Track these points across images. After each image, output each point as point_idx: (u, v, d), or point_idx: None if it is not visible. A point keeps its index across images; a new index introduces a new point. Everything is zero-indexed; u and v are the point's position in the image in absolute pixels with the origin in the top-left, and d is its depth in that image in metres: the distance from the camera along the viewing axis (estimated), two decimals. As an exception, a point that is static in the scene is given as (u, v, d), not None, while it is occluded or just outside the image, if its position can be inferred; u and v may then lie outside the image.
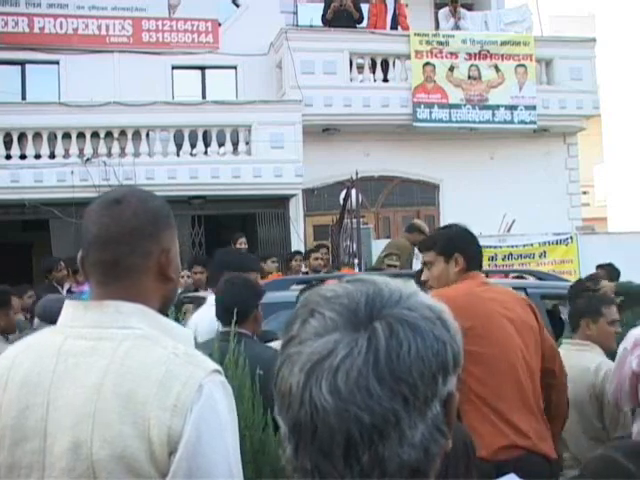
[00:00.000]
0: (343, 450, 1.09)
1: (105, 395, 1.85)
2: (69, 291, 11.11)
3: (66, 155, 15.93)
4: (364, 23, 18.42)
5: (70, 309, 2.03)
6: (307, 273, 11.85)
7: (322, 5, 18.17)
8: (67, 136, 15.92)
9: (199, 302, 6.08)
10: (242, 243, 12.73)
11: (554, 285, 8.16)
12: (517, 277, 9.78)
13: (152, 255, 2.02)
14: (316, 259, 12.12)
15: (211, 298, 4.99)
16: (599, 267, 10.21)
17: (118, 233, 1.99)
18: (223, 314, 4.60)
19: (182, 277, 11.13)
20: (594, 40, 19.79)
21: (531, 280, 8.78)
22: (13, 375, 1.96)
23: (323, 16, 18.07)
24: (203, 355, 1.99)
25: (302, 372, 1.11)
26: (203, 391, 1.85)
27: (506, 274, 11.02)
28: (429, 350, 1.12)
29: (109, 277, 2.00)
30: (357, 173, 14.15)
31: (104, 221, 2.00)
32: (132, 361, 1.88)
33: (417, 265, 11.90)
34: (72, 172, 15.61)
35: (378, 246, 13.93)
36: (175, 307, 3.82)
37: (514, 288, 6.99)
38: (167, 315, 2.12)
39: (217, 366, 1.95)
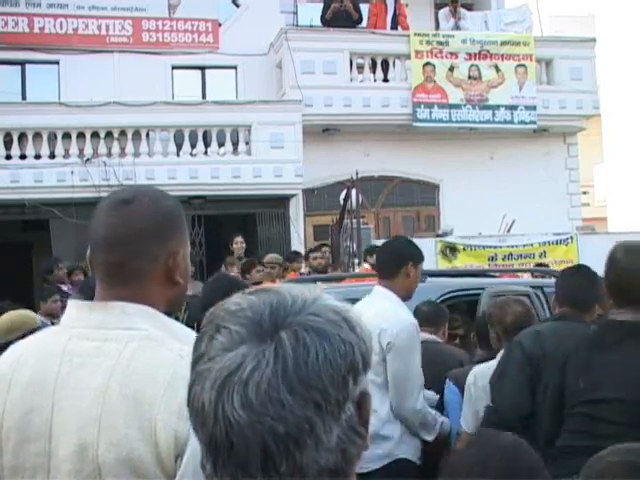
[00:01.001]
0: (261, 462, 1.09)
1: (111, 397, 1.83)
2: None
3: (66, 155, 15.93)
4: (364, 23, 18.43)
5: (74, 309, 2.01)
6: (309, 273, 11.87)
7: (322, 5, 18.17)
8: (67, 136, 15.92)
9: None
10: (239, 242, 12.71)
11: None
12: (534, 276, 9.79)
13: (159, 258, 1.99)
14: (315, 259, 12.08)
15: None
16: None
17: (125, 235, 1.96)
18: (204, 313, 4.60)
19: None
20: (594, 40, 19.79)
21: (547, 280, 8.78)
22: (17, 375, 1.94)
23: (322, 16, 18.07)
24: None
25: (213, 389, 1.10)
26: None
27: (522, 273, 11.03)
28: (336, 353, 1.11)
29: (114, 279, 1.98)
30: (357, 173, 14.16)
31: (112, 222, 1.97)
32: (138, 362, 1.86)
33: None
34: (72, 172, 15.61)
35: (378, 246, 13.93)
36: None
37: (531, 287, 7.03)
38: (177, 317, 2.11)
39: None
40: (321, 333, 1.12)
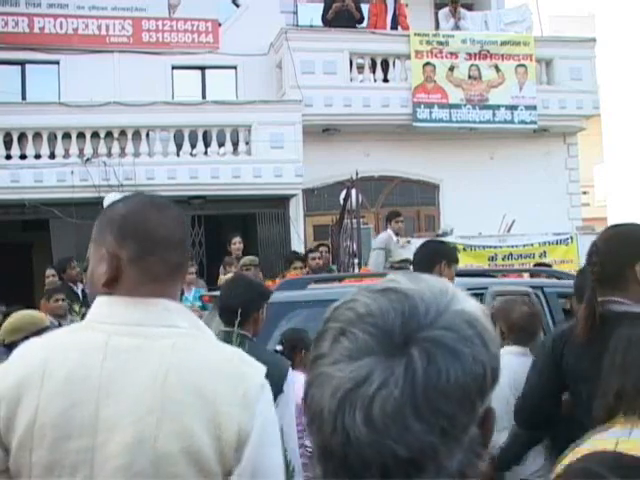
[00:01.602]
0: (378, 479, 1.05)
1: (170, 390, 1.85)
2: (83, 291, 10.76)
3: (66, 155, 15.93)
4: (364, 23, 18.42)
5: (104, 306, 2.00)
6: (308, 273, 11.85)
7: (322, 5, 18.17)
8: (67, 136, 15.92)
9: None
10: (237, 243, 12.69)
11: (572, 284, 8.15)
12: (533, 276, 9.79)
13: (187, 259, 2.14)
14: (313, 259, 11.99)
15: None
16: None
17: (183, 235, 2.11)
18: (222, 314, 4.62)
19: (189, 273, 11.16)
20: (594, 40, 19.79)
21: (546, 279, 8.78)
22: (51, 372, 1.90)
23: (323, 16, 18.07)
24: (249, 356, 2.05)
25: (334, 398, 1.06)
26: (265, 390, 1.91)
27: (521, 273, 11.03)
28: (468, 377, 1.06)
29: (165, 277, 2.03)
30: (357, 173, 14.14)
31: (168, 224, 2.05)
32: (192, 357, 1.90)
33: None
34: (72, 172, 15.61)
35: (378, 246, 13.92)
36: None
37: (532, 287, 7.02)
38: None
39: (264, 367, 2.01)
40: (454, 352, 1.07)
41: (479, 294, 6.77)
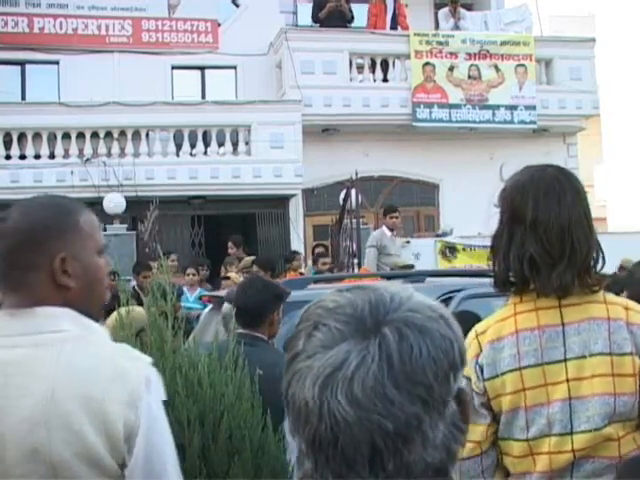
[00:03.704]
0: (368, 459, 1.08)
1: (59, 399, 1.87)
2: None
3: (66, 155, 15.94)
4: (364, 23, 18.43)
5: None
6: (302, 274, 11.88)
7: (317, 4, 18.14)
8: (67, 136, 15.93)
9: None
10: (231, 247, 12.55)
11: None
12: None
13: (40, 267, 2.01)
14: (324, 264, 11.97)
15: None
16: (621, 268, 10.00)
17: (2, 249, 2.02)
18: (238, 316, 4.59)
19: (188, 275, 11.15)
20: (594, 40, 19.79)
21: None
22: None
23: (314, 14, 18.05)
24: (134, 349, 2.10)
25: (316, 385, 1.09)
26: (151, 383, 1.95)
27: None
28: (439, 350, 1.12)
29: (7, 289, 2.03)
30: (357, 173, 14.14)
31: (3, 231, 2.03)
32: (78, 362, 1.93)
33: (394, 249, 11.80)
34: (72, 172, 15.62)
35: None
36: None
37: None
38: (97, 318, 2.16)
39: (150, 358, 2.04)
40: (423, 329, 1.12)
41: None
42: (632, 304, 2.50)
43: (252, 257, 11.94)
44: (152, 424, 1.93)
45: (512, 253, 2.48)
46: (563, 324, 2.41)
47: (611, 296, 2.51)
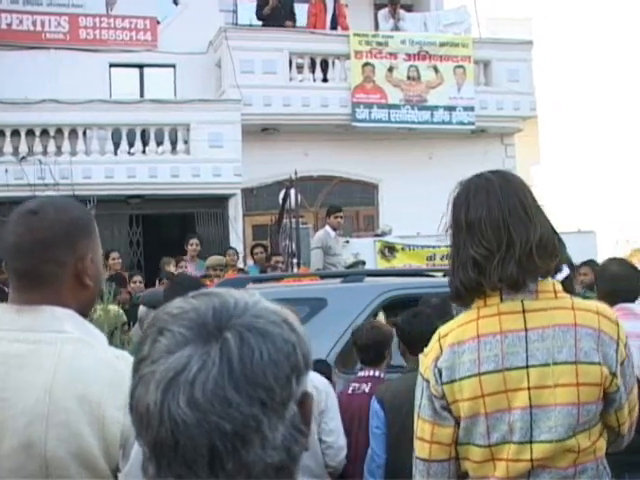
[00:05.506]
0: (207, 460, 1.10)
1: (58, 395, 1.91)
2: None
3: (0, 153, 15.66)
4: (304, 23, 18.43)
5: None
6: (242, 270, 11.97)
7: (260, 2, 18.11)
8: (1, 134, 15.66)
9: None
10: (194, 244, 12.57)
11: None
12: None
13: (67, 264, 2.07)
14: (256, 254, 12.84)
15: None
16: (584, 264, 10.05)
17: (31, 243, 2.05)
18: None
19: (134, 282, 11.14)
20: (531, 43, 20.04)
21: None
22: None
23: (258, 11, 18.03)
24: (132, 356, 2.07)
25: (158, 390, 1.11)
26: None
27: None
28: (280, 353, 1.14)
29: (24, 284, 2.06)
30: (296, 173, 14.13)
31: (19, 231, 2.07)
32: (79, 363, 1.96)
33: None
34: (6, 171, 15.36)
35: (317, 246, 13.93)
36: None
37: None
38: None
39: None
40: (264, 333, 1.14)
41: (416, 294, 6.74)
42: (603, 309, 2.48)
43: (221, 257, 12.00)
44: None
45: (457, 261, 2.48)
46: (526, 329, 2.39)
47: (580, 301, 2.48)
